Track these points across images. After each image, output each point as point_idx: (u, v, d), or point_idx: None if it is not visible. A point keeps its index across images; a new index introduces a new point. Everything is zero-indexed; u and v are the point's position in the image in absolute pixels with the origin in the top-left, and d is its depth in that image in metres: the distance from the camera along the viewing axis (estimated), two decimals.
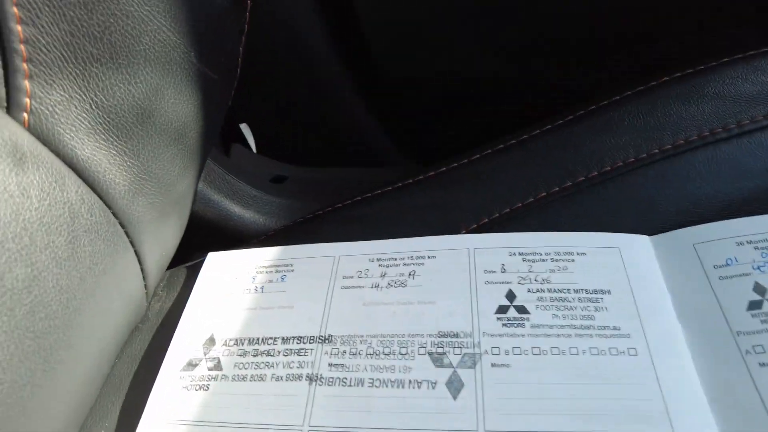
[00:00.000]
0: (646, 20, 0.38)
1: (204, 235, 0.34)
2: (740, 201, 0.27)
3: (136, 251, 0.26)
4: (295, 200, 0.36)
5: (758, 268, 0.24)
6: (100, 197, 0.23)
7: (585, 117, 0.30)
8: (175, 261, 0.33)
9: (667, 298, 0.25)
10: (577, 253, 0.26)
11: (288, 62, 0.41)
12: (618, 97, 0.30)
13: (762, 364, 0.22)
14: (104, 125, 0.22)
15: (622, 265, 0.26)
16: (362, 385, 0.23)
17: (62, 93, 0.21)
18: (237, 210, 0.34)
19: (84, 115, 0.22)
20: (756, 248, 0.25)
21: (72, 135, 0.21)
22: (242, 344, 0.26)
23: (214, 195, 0.34)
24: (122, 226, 0.25)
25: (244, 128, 0.44)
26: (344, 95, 0.43)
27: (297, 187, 0.38)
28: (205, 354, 0.27)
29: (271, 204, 0.35)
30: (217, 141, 0.41)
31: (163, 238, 0.28)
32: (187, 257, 0.34)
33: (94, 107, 0.22)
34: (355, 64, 0.42)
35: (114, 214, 0.24)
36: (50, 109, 0.21)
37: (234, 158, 0.39)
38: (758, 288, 0.24)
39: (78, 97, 0.21)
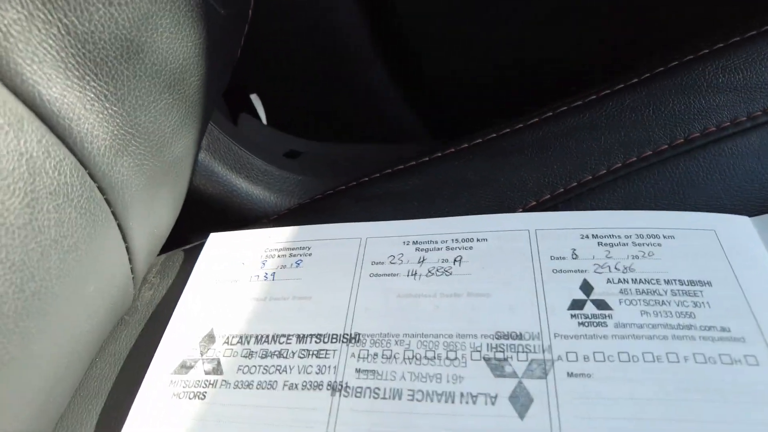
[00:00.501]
0: None
1: (206, 214, 0.29)
2: None
3: (120, 225, 0.21)
4: (311, 177, 0.31)
5: None
6: (72, 152, 0.18)
7: (665, 74, 0.25)
8: (171, 244, 0.28)
9: None
10: (664, 236, 0.21)
11: (303, 23, 0.36)
12: (706, 51, 0.24)
13: None
14: (78, 58, 0.18)
15: (722, 250, 0.21)
16: (400, 398, 0.19)
17: (20, 9, 0.16)
18: (245, 186, 0.29)
19: (50, 41, 0.17)
20: None
21: (34, 67, 0.17)
22: (248, 343, 0.21)
23: (219, 167, 0.29)
24: (102, 191, 0.20)
25: (254, 98, 0.39)
26: (368, 65, 0.38)
27: (313, 162, 0.34)
28: (202, 354, 0.22)
29: (284, 180, 0.30)
30: (222, 105, 0.36)
31: (155, 212, 0.24)
32: (186, 239, 0.29)
33: (64, 32, 0.17)
34: (380, 29, 0.37)
35: (91, 175, 0.19)
36: (3, 29, 0.16)
37: (242, 129, 0.34)
38: None
39: (42, 16, 0.16)
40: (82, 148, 0.19)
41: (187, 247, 0.28)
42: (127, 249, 0.22)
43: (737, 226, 0.22)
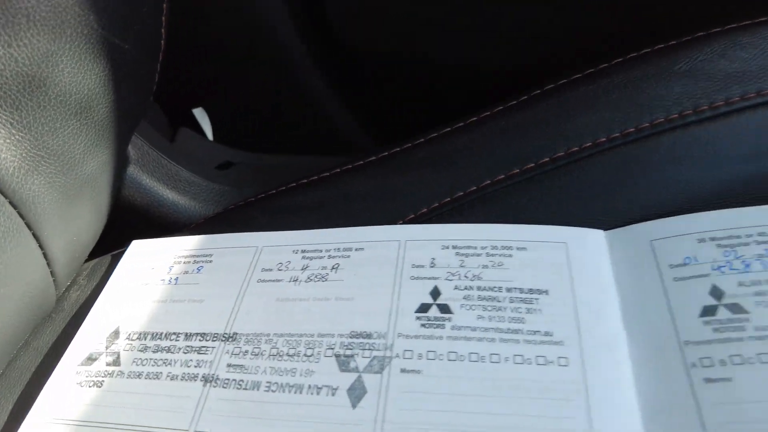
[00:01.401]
0: None
1: (136, 222, 0.32)
2: (709, 193, 0.24)
3: (35, 235, 0.24)
4: (236, 187, 0.34)
5: (718, 268, 0.21)
6: None
7: (539, 98, 0.27)
8: (104, 250, 0.32)
9: (615, 302, 0.22)
10: (517, 248, 0.24)
11: (243, 37, 0.39)
12: (579, 75, 0.27)
13: (707, 380, 0.19)
14: None
15: (567, 262, 0.23)
16: (258, 389, 0.21)
17: None
18: (170, 196, 0.32)
19: None
20: (719, 246, 0.22)
21: None
22: (145, 339, 0.24)
23: (146, 179, 0.32)
24: (13, 206, 0.23)
25: (199, 112, 0.42)
26: (307, 77, 0.41)
27: (243, 173, 0.37)
28: (106, 348, 0.25)
29: (210, 191, 0.34)
30: (161, 122, 0.39)
31: (72, 223, 0.27)
32: (119, 246, 0.32)
33: None
34: (316, 36, 0.40)
35: (2, 193, 0.22)
36: None
37: (179, 143, 0.37)
38: (715, 291, 0.21)
39: None
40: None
41: (115, 252, 0.31)
42: (45, 255, 0.25)
43: (588, 239, 0.24)
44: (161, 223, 0.32)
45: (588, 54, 0.29)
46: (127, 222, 0.32)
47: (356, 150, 0.44)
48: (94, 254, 0.31)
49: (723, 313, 0.20)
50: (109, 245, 0.32)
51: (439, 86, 0.42)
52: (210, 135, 0.42)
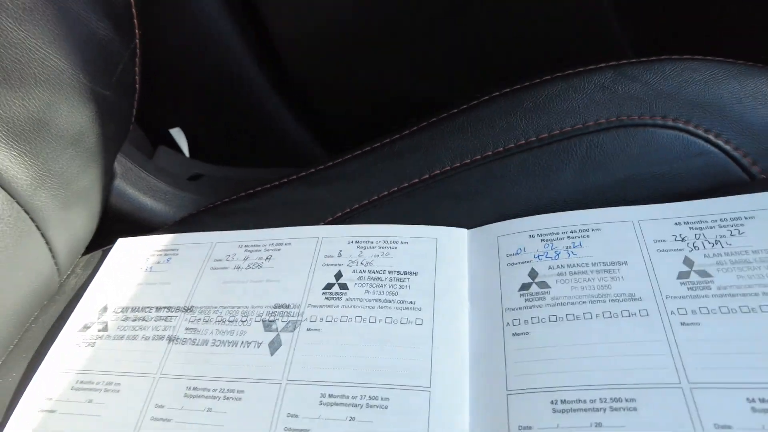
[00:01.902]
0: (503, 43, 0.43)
1: (122, 224, 0.40)
2: (546, 199, 0.32)
3: (42, 234, 0.33)
4: (203, 196, 0.42)
5: (538, 257, 0.29)
6: (4, 189, 0.30)
7: (428, 128, 0.35)
8: (96, 246, 0.40)
9: (464, 281, 0.30)
10: (401, 242, 0.32)
11: (211, 74, 0.47)
12: (455, 110, 0.35)
13: (514, 334, 0.27)
14: (4, 133, 0.29)
15: (435, 252, 0.31)
16: (206, 345, 0.29)
17: None
18: (149, 203, 0.41)
19: None
20: (542, 240, 0.30)
21: None
22: (126, 312, 0.33)
23: (129, 189, 0.40)
24: (27, 212, 0.31)
25: (176, 132, 0.50)
26: (266, 101, 0.49)
27: (210, 184, 0.45)
28: (97, 319, 0.33)
29: (182, 198, 0.42)
30: (143, 143, 0.47)
31: (72, 224, 0.35)
32: (108, 243, 0.40)
33: None
34: (271, 67, 0.48)
35: (18, 203, 0.31)
36: None
37: (158, 159, 0.45)
38: (532, 273, 0.29)
39: None
40: (10, 185, 0.30)
41: (106, 248, 0.39)
42: (50, 250, 0.34)
43: (453, 236, 0.32)
44: (142, 225, 0.41)
45: (475, 88, 0.37)
46: (115, 224, 0.40)
47: (310, 159, 0.52)
48: (89, 249, 0.39)
49: (534, 288, 0.28)
50: (101, 242, 0.40)
51: (376, 109, 0.50)
52: (186, 151, 0.50)
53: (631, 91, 0.32)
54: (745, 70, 0.32)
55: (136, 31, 0.33)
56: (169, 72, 0.43)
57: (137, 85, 0.35)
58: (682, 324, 0.25)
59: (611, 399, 0.23)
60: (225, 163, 0.48)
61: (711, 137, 0.31)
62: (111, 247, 0.38)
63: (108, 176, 0.37)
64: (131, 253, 0.36)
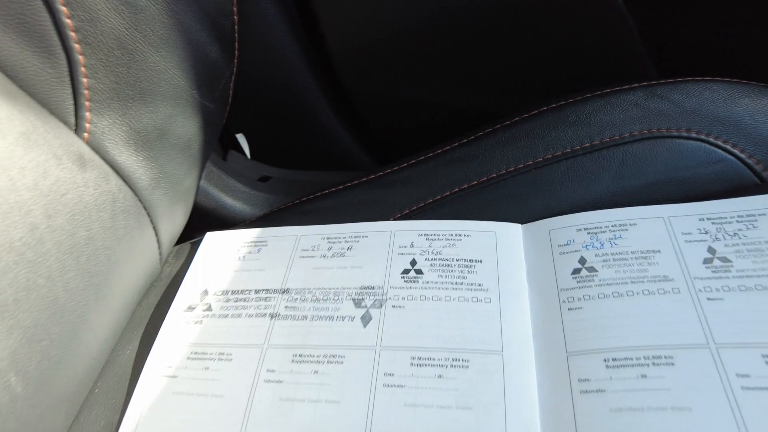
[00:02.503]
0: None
1: (206, 220, 0.46)
2: (589, 200, 0.38)
3: (154, 228, 0.38)
4: (275, 195, 0.48)
5: (585, 246, 0.35)
6: (131, 188, 0.35)
7: (485, 137, 0.41)
8: (183, 239, 0.45)
9: (522, 268, 0.36)
10: (465, 235, 0.38)
11: (276, 88, 0.53)
12: (507, 122, 0.41)
13: (570, 309, 0.33)
14: (134, 141, 0.34)
15: (495, 244, 0.37)
16: (306, 320, 0.35)
17: (109, 120, 0.33)
18: (229, 201, 0.46)
19: (122, 134, 0.34)
20: (588, 233, 0.36)
21: (114, 148, 0.34)
22: (227, 294, 0.38)
23: (213, 189, 0.46)
24: (145, 209, 0.37)
25: (240, 138, 0.56)
26: (321, 113, 0.55)
27: (278, 185, 0.50)
28: (201, 301, 0.38)
29: (256, 197, 0.47)
30: (216, 148, 0.53)
31: (173, 220, 0.40)
32: (192, 236, 0.46)
33: (128, 130, 0.34)
34: (332, 91, 0.54)
35: (140, 200, 0.36)
36: (101, 131, 0.33)
37: (230, 162, 0.51)
38: (581, 260, 0.35)
39: (118, 123, 0.33)
40: (136, 185, 0.35)
41: (193, 240, 0.44)
42: (158, 240, 0.39)
43: (511, 230, 0.38)
44: (222, 220, 0.46)
45: (523, 102, 0.43)
46: (200, 220, 0.46)
47: (358, 167, 0.58)
48: (177, 243, 0.45)
49: (583, 272, 0.34)
50: (186, 236, 0.45)
51: (420, 121, 0.56)
52: (248, 154, 0.56)
53: (660, 108, 0.39)
54: (757, 90, 0.39)
55: (236, 52, 0.39)
56: (242, 85, 0.49)
57: (230, 98, 0.41)
58: (708, 299, 0.31)
59: (653, 357, 0.29)
60: (283, 166, 0.54)
61: (728, 147, 0.37)
62: (199, 240, 0.43)
63: (200, 177, 0.42)
64: (221, 245, 0.42)
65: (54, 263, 0.29)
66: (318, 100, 0.53)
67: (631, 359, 0.29)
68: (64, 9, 0.29)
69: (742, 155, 0.37)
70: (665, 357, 0.29)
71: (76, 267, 0.31)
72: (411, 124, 0.56)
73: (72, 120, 0.32)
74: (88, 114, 0.32)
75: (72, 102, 0.31)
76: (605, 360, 0.30)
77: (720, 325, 0.29)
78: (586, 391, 0.29)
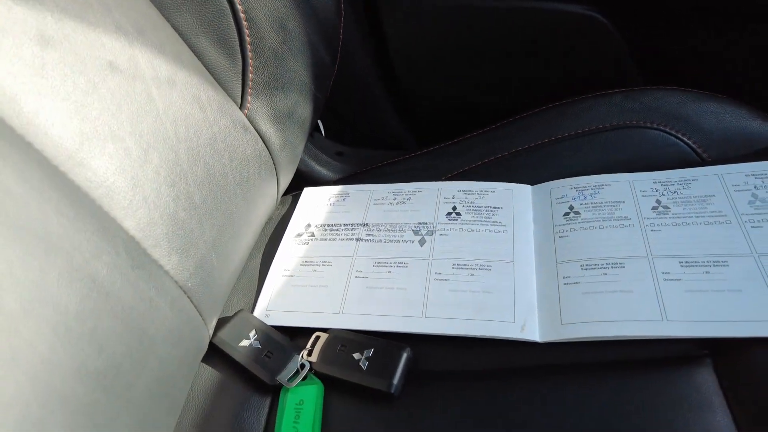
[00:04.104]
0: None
1: (299, 180, 0.64)
2: (579, 168, 0.55)
3: (277, 179, 0.56)
4: (348, 165, 0.66)
5: (573, 198, 0.52)
6: (268, 149, 0.53)
7: (507, 124, 0.58)
8: (287, 191, 0.63)
9: (530, 213, 0.53)
10: (490, 191, 0.55)
11: (349, 84, 0.71)
12: (525, 114, 0.58)
13: (560, 237, 0.50)
14: (274, 117, 0.52)
15: (512, 197, 0.54)
16: (381, 242, 0.53)
17: (261, 102, 0.51)
18: (317, 167, 0.64)
19: (267, 112, 0.52)
20: (577, 190, 0.53)
21: (262, 121, 0.52)
22: (324, 227, 0.56)
23: (307, 158, 0.64)
24: (274, 165, 0.55)
25: (319, 123, 0.73)
26: (381, 103, 0.72)
27: (351, 158, 0.68)
28: (305, 230, 0.56)
29: (335, 166, 0.65)
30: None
31: (287, 174, 0.58)
32: (291, 191, 0.64)
33: (270, 110, 0.52)
34: (391, 88, 0.72)
35: (272, 158, 0.54)
36: (256, 108, 0.51)
37: (315, 140, 0.69)
38: (570, 207, 0.52)
39: (266, 105, 0.51)
40: (273, 148, 0.53)
41: (294, 193, 0.62)
42: (277, 189, 0.57)
43: (522, 189, 0.55)
44: (312, 181, 0.64)
45: (534, 101, 0.61)
46: (297, 179, 0.63)
47: (406, 146, 0.75)
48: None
49: (571, 215, 0.51)
50: (288, 190, 0.63)
51: (457, 113, 0.74)
52: (323, 133, 0.74)
53: (632, 107, 0.55)
54: (702, 96, 0.55)
55: (338, 59, 0.57)
56: None
57: (329, 91, 0.59)
58: (651, 230, 0.47)
59: (612, 263, 0.46)
60: (352, 145, 0.71)
61: (680, 135, 0.54)
62: (299, 193, 0.61)
63: (304, 146, 0.60)
64: (315, 197, 0.60)
65: (230, 184, 0.47)
66: (380, 94, 0.70)
67: (597, 264, 0.46)
68: (246, 29, 0.47)
69: (689, 141, 0.54)
70: (619, 263, 0.46)
71: (240, 192, 0.49)
72: (450, 117, 0.74)
73: (239, 100, 0.50)
74: (249, 97, 0.50)
75: (240, 88, 0.50)
76: (581, 265, 0.47)
77: (656, 244, 0.46)
78: (567, 283, 0.46)
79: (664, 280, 0.44)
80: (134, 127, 0.39)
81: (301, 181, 0.65)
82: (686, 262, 0.44)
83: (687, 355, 0.40)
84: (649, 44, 0.63)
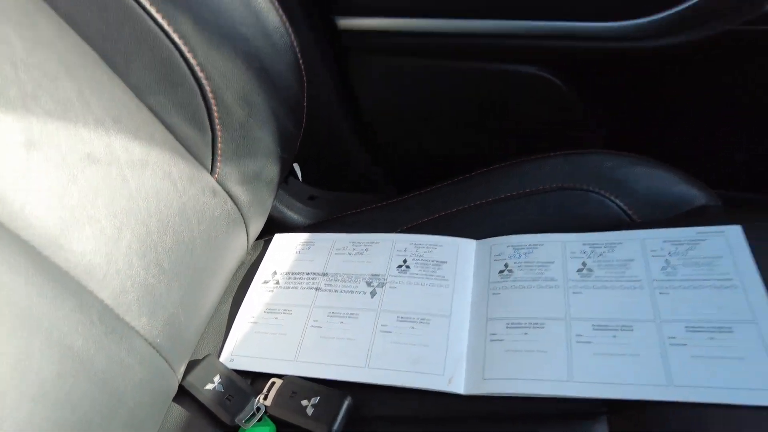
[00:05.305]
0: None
1: (272, 226, 0.71)
2: (519, 227, 0.61)
3: (246, 231, 0.63)
4: (320, 210, 0.72)
5: (510, 257, 0.58)
6: (238, 208, 0.60)
7: (460, 181, 0.65)
8: (258, 238, 0.70)
9: (471, 267, 0.59)
10: (438, 245, 0.61)
11: (323, 136, 0.77)
12: (475, 173, 0.64)
13: (493, 294, 0.56)
14: (242, 179, 0.59)
15: (457, 252, 0.60)
16: (337, 292, 0.59)
17: (230, 168, 0.58)
18: (289, 213, 0.71)
19: (236, 175, 0.58)
20: (513, 249, 0.59)
21: (231, 184, 0.58)
22: (289, 275, 0.63)
23: (279, 205, 0.70)
24: (243, 220, 0.61)
25: (296, 166, 0.80)
26: (355, 152, 0.79)
27: (323, 203, 0.75)
28: (272, 278, 0.63)
29: (307, 211, 0.72)
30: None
31: (257, 225, 0.65)
32: (265, 236, 0.71)
33: (239, 173, 0.59)
34: (365, 139, 0.79)
35: (241, 215, 0.61)
36: (225, 173, 0.58)
37: (290, 185, 0.76)
38: (506, 265, 0.58)
39: (234, 169, 0.58)
40: (242, 206, 0.60)
41: (266, 238, 0.69)
42: (247, 239, 0.64)
43: (467, 244, 0.61)
44: (284, 226, 0.71)
45: (495, 157, 0.66)
46: (269, 226, 0.70)
47: (381, 189, 0.82)
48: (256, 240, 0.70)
49: (505, 273, 0.57)
50: (260, 236, 0.70)
51: (430, 164, 0.80)
52: (300, 178, 0.80)
53: (571, 170, 0.61)
54: (635, 161, 0.61)
55: (303, 125, 0.63)
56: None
57: (297, 150, 0.66)
58: (574, 293, 0.53)
59: (533, 323, 0.52)
60: (326, 188, 0.78)
61: (612, 198, 0.60)
62: (270, 239, 0.68)
63: (275, 198, 0.67)
64: (284, 244, 0.67)
65: (197, 246, 0.54)
66: (355, 144, 0.77)
67: (521, 323, 0.52)
68: (215, 106, 0.54)
69: (621, 204, 0.59)
70: (540, 323, 0.52)
71: (207, 251, 0.56)
72: (422, 164, 0.80)
73: (209, 166, 0.57)
74: (219, 163, 0.57)
75: (210, 156, 0.56)
76: (507, 323, 0.53)
77: (575, 307, 0.52)
78: (493, 340, 0.52)
79: (576, 342, 0.50)
80: (109, 209, 0.45)
81: (274, 226, 0.72)
82: (598, 325, 0.50)
83: (588, 412, 0.46)
84: (597, 107, 0.69)
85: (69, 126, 0.44)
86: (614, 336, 0.49)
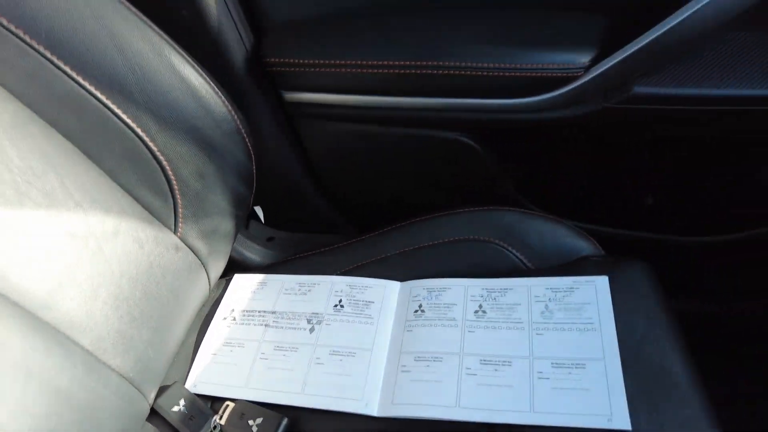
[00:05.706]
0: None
1: (233, 266, 0.83)
2: (433, 272, 0.73)
3: (207, 275, 0.75)
4: (276, 251, 0.84)
5: (424, 298, 0.71)
6: (198, 258, 0.72)
7: (393, 230, 0.77)
8: (224, 274, 0.82)
9: (394, 306, 0.71)
10: (368, 287, 0.73)
11: (280, 184, 0.89)
12: (400, 224, 0.76)
13: (407, 330, 0.68)
14: (202, 235, 0.71)
15: (383, 292, 0.73)
16: (282, 328, 0.72)
17: (190, 226, 0.70)
18: (248, 254, 0.83)
19: (196, 232, 0.70)
20: (428, 291, 0.71)
21: (192, 239, 0.70)
22: (244, 312, 0.75)
23: (239, 248, 0.82)
24: (204, 268, 0.74)
25: (258, 209, 0.92)
26: (310, 196, 0.91)
27: (280, 244, 0.87)
28: (230, 315, 0.75)
29: (265, 253, 0.84)
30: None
31: (217, 269, 0.77)
32: (226, 276, 0.83)
33: (198, 230, 0.71)
34: (318, 185, 0.91)
35: (202, 264, 0.73)
36: (186, 231, 0.70)
37: (250, 228, 0.88)
38: (420, 305, 0.70)
39: (195, 227, 0.70)
40: (203, 257, 0.72)
41: (227, 277, 0.81)
42: (208, 282, 0.76)
43: (392, 285, 0.73)
44: (244, 267, 0.83)
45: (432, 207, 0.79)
46: (230, 266, 0.82)
47: (338, 228, 0.94)
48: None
49: (419, 312, 0.69)
50: (222, 275, 0.82)
51: (381, 210, 0.92)
52: (263, 220, 0.92)
53: (477, 224, 0.73)
54: (532, 216, 0.73)
55: (254, 186, 0.75)
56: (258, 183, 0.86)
57: (251, 206, 0.77)
58: (469, 331, 0.66)
59: (434, 357, 0.64)
60: (284, 230, 0.90)
61: (511, 249, 0.72)
62: (230, 279, 0.80)
63: (233, 245, 0.79)
64: (242, 284, 0.79)
65: (163, 295, 0.66)
66: (309, 189, 0.89)
67: (425, 357, 0.65)
68: (174, 180, 0.66)
69: (518, 254, 0.72)
70: (439, 357, 0.64)
71: (173, 298, 0.68)
72: (371, 207, 0.93)
73: (173, 227, 0.69)
74: (181, 224, 0.69)
75: (173, 219, 0.68)
76: (414, 357, 0.65)
77: (468, 344, 0.64)
78: (403, 371, 0.65)
79: (466, 374, 0.62)
80: (87, 274, 0.58)
81: (235, 266, 0.84)
82: (484, 360, 0.63)
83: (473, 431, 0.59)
84: (508, 166, 0.81)
85: (53, 213, 0.56)
86: (495, 369, 0.62)
